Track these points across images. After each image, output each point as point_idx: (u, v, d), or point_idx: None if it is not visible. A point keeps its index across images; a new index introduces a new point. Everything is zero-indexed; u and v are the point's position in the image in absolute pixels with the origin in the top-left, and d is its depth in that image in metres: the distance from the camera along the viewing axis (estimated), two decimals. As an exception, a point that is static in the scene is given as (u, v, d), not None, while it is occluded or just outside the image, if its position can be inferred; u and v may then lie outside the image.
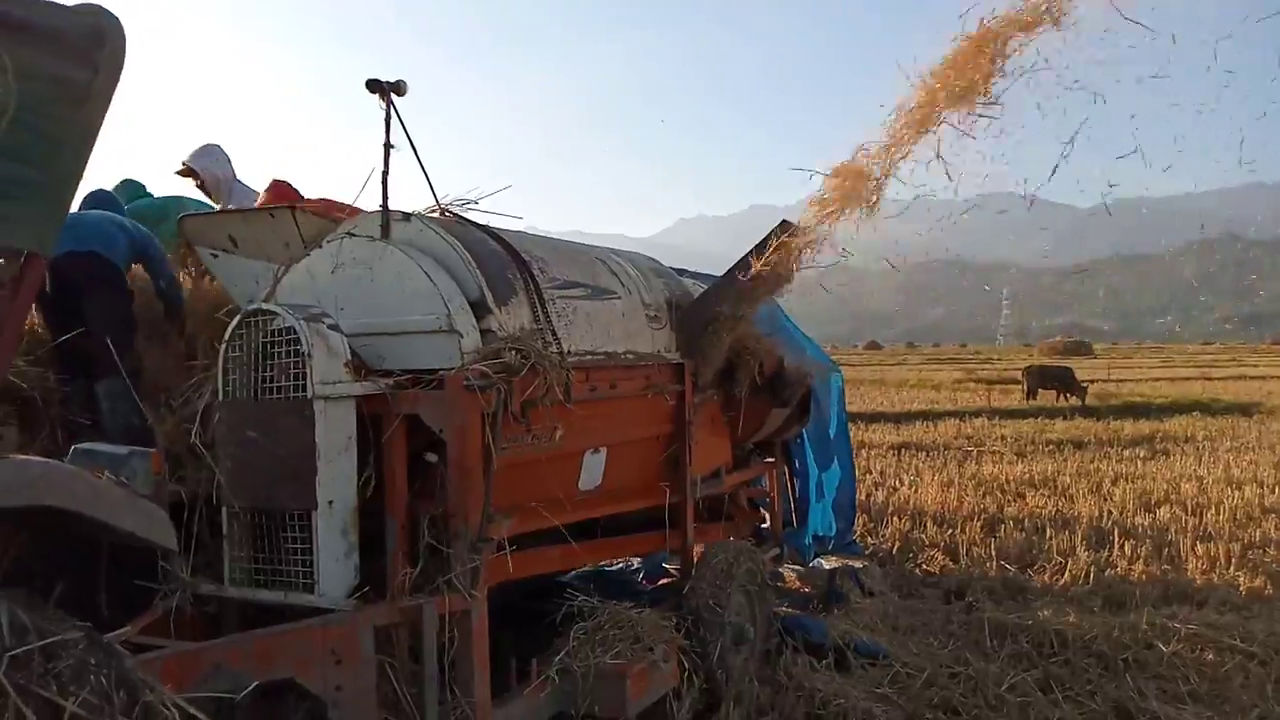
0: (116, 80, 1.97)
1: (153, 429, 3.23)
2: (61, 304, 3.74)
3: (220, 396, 3.08)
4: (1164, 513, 8.60)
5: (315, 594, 2.90)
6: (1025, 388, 22.59)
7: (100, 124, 1.93)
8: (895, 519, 8.10)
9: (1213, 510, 8.63)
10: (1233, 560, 6.86)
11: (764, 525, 5.97)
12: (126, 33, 1.96)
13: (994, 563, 6.79)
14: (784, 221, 4.45)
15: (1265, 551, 7.16)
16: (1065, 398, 21.48)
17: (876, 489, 9.72)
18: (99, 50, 1.91)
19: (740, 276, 4.42)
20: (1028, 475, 10.72)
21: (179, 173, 5.33)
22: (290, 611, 2.91)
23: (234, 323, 3.10)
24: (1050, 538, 7.50)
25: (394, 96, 3.53)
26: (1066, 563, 6.75)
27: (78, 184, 1.95)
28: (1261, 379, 31.58)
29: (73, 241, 3.73)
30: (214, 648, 2.41)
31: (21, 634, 1.49)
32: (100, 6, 1.94)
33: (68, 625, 1.59)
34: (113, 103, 1.96)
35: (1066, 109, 3.98)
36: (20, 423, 3.14)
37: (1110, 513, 8.58)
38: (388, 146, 3.55)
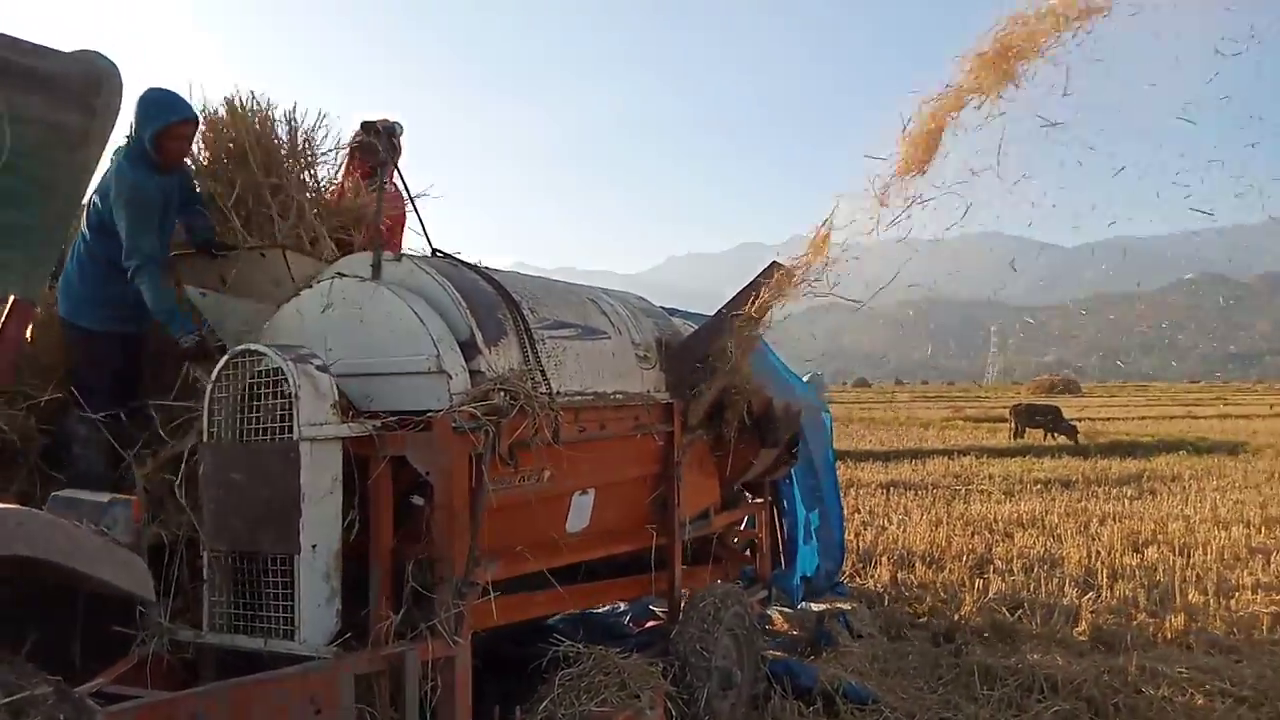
0: (113, 124, 1.98)
1: (121, 478, 3.17)
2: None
3: (205, 438, 3.05)
4: (1152, 553, 8.59)
5: (296, 640, 2.84)
6: (1012, 426, 22.65)
7: (95, 167, 1.94)
8: (884, 560, 8.06)
9: (1200, 550, 8.64)
10: (1221, 602, 6.85)
11: (751, 567, 5.92)
12: (123, 77, 1.97)
13: (983, 604, 6.75)
14: (774, 263, 4.49)
15: (1253, 593, 7.15)
16: (1053, 436, 21.55)
17: (865, 528, 9.67)
18: (95, 95, 1.92)
19: (730, 317, 4.44)
20: (1016, 515, 10.71)
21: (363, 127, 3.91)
22: (270, 659, 2.86)
23: (221, 363, 3.07)
24: (1039, 579, 7.48)
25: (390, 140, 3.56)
26: (1055, 604, 6.72)
27: (69, 227, 1.95)
28: (1247, 418, 31.76)
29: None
30: (190, 697, 2.36)
31: (-9, 690, 1.46)
32: (97, 52, 1.95)
33: (37, 680, 1.55)
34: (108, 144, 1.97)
35: (1052, 152, 4.10)
36: (-1, 466, 3.10)
37: (1099, 553, 8.56)
38: (380, 187, 3.58)
